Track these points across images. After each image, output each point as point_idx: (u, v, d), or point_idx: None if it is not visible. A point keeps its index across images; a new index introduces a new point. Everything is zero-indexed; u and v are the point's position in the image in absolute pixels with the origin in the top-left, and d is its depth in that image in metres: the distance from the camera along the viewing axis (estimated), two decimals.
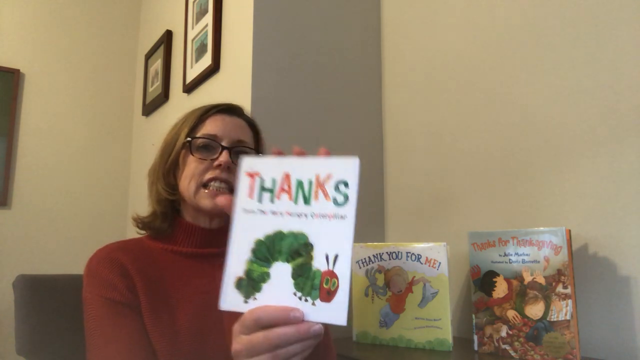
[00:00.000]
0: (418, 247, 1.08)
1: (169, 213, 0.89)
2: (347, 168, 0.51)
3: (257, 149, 0.95)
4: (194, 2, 1.72)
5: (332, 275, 0.48)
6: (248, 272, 0.51)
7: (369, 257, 1.15)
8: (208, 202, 0.84)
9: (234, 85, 1.42)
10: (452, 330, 1.08)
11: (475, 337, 1.02)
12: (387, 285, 1.11)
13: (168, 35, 2.02)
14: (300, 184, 0.52)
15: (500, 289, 1.00)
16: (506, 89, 1.22)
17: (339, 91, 1.51)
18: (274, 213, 0.51)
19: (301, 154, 0.55)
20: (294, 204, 0.51)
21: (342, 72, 1.53)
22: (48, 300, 0.94)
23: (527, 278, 0.96)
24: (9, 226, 2.11)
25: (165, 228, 0.88)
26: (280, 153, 0.56)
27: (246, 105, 1.33)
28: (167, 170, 0.88)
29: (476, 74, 1.30)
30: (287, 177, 0.53)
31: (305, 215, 0.51)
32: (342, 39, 1.54)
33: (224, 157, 0.85)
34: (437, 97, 1.41)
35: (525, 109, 1.17)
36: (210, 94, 1.57)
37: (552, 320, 0.92)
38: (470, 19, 1.34)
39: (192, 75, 1.67)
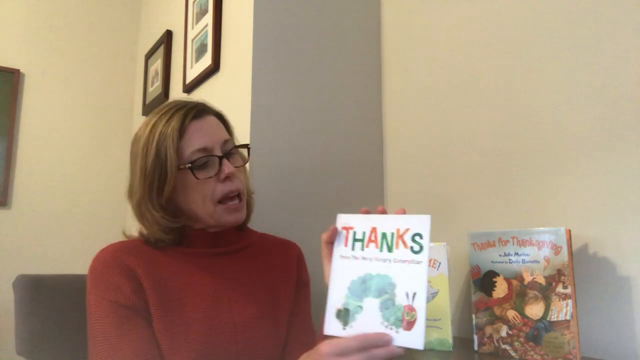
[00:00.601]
0: None
1: (177, 235, 0.86)
2: (421, 223, 0.63)
3: (232, 138, 0.92)
4: (194, 2, 1.72)
5: (411, 309, 0.59)
6: (345, 305, 0.63)
7: None
8: (230, 217, 0.84)
9: (234, 85, 1.42)
10: (452, 330, 1.08)
11: (475, 337, 1.02)
12: None
13: (168, 35, 2.02)
14: (384, 236, 0.64)
15: (500, 289, 1.00)
16: (506, 89, 1.22)
17: (339, 91, 1.51)
18: (364, 258, 0.64)
19: (383, 212, 0.67)
20: (380, 251, 0.64)
21: (342, 72, 1.53)
22: (48, 300, 0.94)
23: (527, 278, 0.96)
24: (9, 226, 2.11)
25: (174, 243, 0.86)
26: (367, 211, 0.68)
27: (246, 105, 1.33)
28: (166, 200, 0.82)
29: (476, 74, 1.30)
30: (374, 230, 0.65)
31: (389, 261, 0.63)
32: (342, 39, 1.54)
33: (228, 167, 0.83)
34: (437, 97, 1.41)
35: (525, 109, 1.17)
36: (210, 94, 1.57)
37: (552, 320, 0.92)
38: (470, 19, 1.34)
39: (192, 75, 1.67)
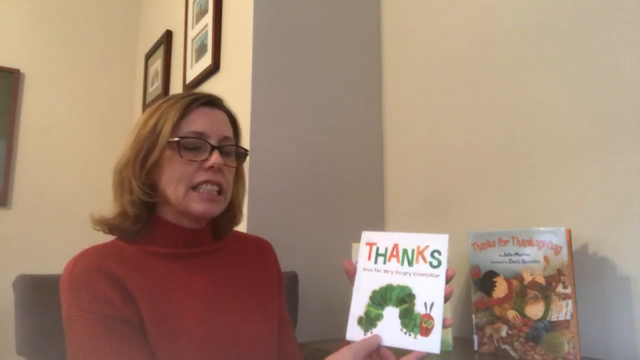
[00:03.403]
0: None
1: (142, 215, 0.81)
2: (440, 241, 0.68)
3: (237, 142, 0.90)
4: (194, 2, 1.72)
5: (429, 317, 0.65)
6: (367, 313, 0.68)
7: None
8: (200, 206, 0.79)
9: (234, 85, 1.42)
10: (452, 330, 1.08)
11: (475, 337, 1.02)
12: None
13: (168, 35, 2.02)
14: (405, 252, 0.70)
15: (500, 289, 1.00)
16: (506, 89, 1.22)
17: (338, 91, 1.51)
18: (385, 271, 0.70)
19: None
20: (401, 265, 0.69)
21: (342, 72, 1.53)
22: (48, 300, 0.94)
23: (527, 278, 0.96)
24: (9, 226, 2.11)
25: (136, 230, 0.80)
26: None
27: (246, 105, 1.33)
28: (147, 170, 0.79)
29: (476, 73, 1.30)
30: (395, 246, 0.71)
31: (409, 274, 0.68)
32: (342, 39, 1.54)
33: (215, 158, 0.79)
34: (437, 97, 1.41)
35: (525, 109, 1.17)
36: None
37: (552, 320, 0.92)
38: (470, 19, 1.34)
39: (192, 75, 1.67)
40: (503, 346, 0.98)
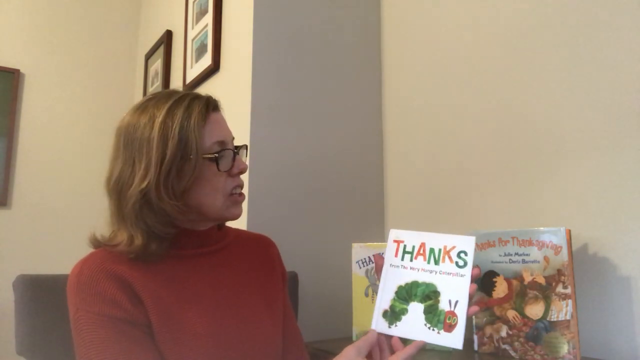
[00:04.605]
0: None
1: (170, 232, 0.78)
2: (466, 243, 0.71)
3: None
4: (194, 2, 1.72)
5: (453, 314, 0.68)
6: (392, 307, 0.72)
7: (369, 257, 1.15)
8: (237, 210, 0.83)
9: (234, 85, 1.42)
10: None
11: (475, 337, 1.02)
12: None
13: (168, 35, 2.02)
14: (432, 251, 0.73)
15: (500, 289, 1.00)
16: (506, 89, 1.22)
17: (338, 91, 1.51)
18: (412, 268, 0.73)
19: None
20: (427, 263, 0.72)
21: (342, 72, 1.53)
22: (48, 300, 0.94)
23: (527, 278, 0.96)
24: (9, 226, 2.11)
25: (164, 249, 0.78)
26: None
27: (246, 105, 1.34)
28: (183, 190, 0.75)
29: (476, 73, 1.30)
30: (422, 245, 0.74)
31: (435, 272, 0.71)
32: (342, 39, 1.54)
33: (243, 163, 0.83)
34: (437, 97, 1.41)
35: (525, 108, 1.17)
36: (210, 93, 1.56)
37: (552, 320, 0.92)
38: (470, 18, 1.34)
39: (192, 75, 1.67)
40: (503, 346, 0.98)
